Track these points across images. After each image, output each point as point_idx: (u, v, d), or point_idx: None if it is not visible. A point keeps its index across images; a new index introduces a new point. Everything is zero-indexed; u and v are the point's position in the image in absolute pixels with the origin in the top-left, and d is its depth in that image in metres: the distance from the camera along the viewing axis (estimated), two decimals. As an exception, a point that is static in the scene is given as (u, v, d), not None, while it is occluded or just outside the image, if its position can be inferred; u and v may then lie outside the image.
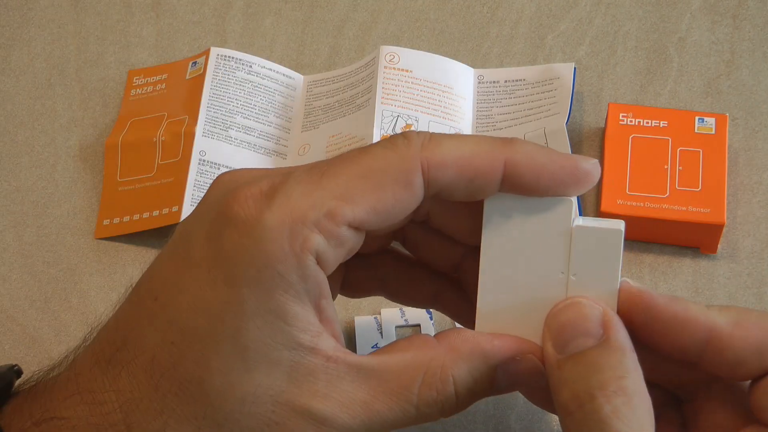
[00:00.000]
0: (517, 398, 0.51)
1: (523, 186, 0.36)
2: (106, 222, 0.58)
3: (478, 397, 0.38)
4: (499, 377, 0.38)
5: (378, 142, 0.37)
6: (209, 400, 0.35)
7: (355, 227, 0.36)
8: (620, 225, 0.37)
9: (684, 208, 0.54)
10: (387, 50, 0.60)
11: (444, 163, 0.36)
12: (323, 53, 0.64)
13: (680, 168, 0.55)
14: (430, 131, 0.37)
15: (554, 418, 0.50)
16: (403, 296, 0.44)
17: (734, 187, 0.56)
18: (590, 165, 0.37)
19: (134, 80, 0.63)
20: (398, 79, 0.59)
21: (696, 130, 0.56)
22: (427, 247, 0.42)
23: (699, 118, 0.56)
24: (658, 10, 0.64)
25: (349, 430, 0.36)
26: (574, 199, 0.38)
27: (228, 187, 0.37)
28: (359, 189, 0.35)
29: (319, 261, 0.35)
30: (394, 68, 0.59)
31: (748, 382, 0.38)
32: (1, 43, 0.66)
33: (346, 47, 0.64)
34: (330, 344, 0.36)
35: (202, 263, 0.35)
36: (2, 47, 0.65)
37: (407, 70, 0.59)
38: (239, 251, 0.34)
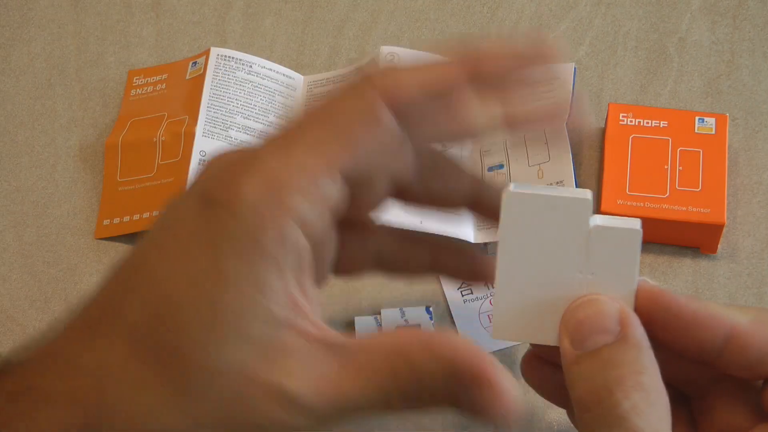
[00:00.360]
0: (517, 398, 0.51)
1: (491, 81, 0.37)
2: (106, 222, 0.58)
3: (442, 403, 0.37)
4: (462, 394, 0.36)
5: (340, 90, 0.36)
6: (182, 370, 0.34)
7: (334, 179, 0.35)
8: (637, 224, 0.37)
9: (684, 208, 0.54)
10: (387, 50, 0.60)
11: (406, 91, 0.35)
12: (323, 53, 0.64)
13: (680, 168, 0.55)
14: (390, 65, 0.37)
15: (554, 418, 0.50)
16: (400, 268, 0.44)
17: (734, 187, 0.56)
18: (548, 50, 0.38)
19: (134, 80, 0.63)
20: (398, 79, 0.59)
21: (696, 130, 0.56)
22: (438, 179, 0.42)
23: (699, 118, 0.56)
24: (658, 10, 0.64)
25: (317, 412, 0.35)
26: (591, 198, 0.38)
27: (213, 169, 0.37)
28: (330, 140, 0.35)
29: (304, 225, 0.35)
30: (394, 68, 0.59)
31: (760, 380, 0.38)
32: (1, 43, 0.66)
33: (346, 47, 0.64)
34: (307, 320, 0.35)
35: (183, 239, 0.35)
36: (2, 47, 0.65)
37: (407, 70, 0.59)
38: (220, 226, 0.34)
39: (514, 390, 0.36)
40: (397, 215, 0.54)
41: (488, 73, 0.37)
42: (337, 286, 0.55)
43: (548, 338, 0.38)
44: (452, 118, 0.38)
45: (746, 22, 0.63)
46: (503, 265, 0.38)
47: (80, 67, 0.64)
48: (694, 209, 0.53)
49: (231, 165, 0.36)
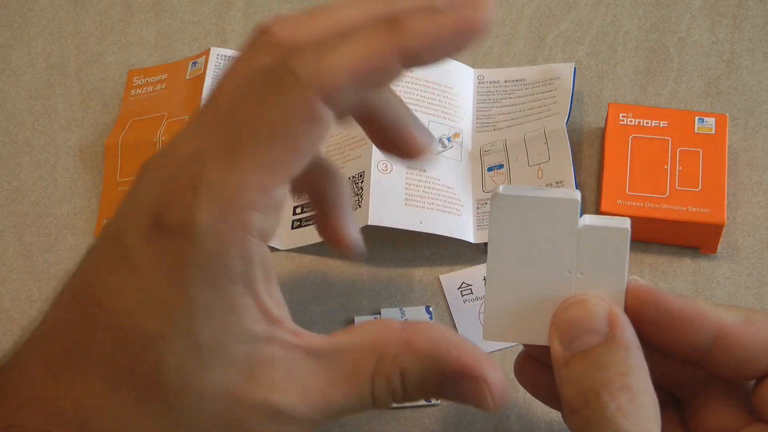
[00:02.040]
0: (517, 398, 0.51)
1: (424, 63, 0.35)
2: (106, 222, 0.58)
3: (427, 395, 0.37)
4: (446, 386, 0.37)
5: (262, 80, 0.34)
6: (167, 400, 0.34)
7: (284, 185, 0.35)
8: (626, 223, 0.38)
9: (684, 208, 0.54)
10: (387, 50, 0.60)
11: (340, 81, 0.34)
12: (323, 53, 0.64)
13: (680, 168, 0.55)
14: (312, 48, 0.34)
15: (554, 418, 0.50)
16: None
17: (734, 187, 0.56)
18: (479, 12, 0.34)
19: (134, 80, 0.63)
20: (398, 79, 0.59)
21: (696, 130, 0.56)
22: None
23: (699, 118, 0.56)
24: (658, 10, 0.64)
25: (308, 421, 0.35)
26: (579, 198, 0.38)
27: (152, 182, 0.35)
28: (275, 150, 0.34)
29: (262, 236, 0.34)
30: (394, 68, 0.59)
31: (751, 381, 0.38)
32: (1, 43, 0.66)
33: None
34: (285, 331, 0.35)
35: (143, 269, 0.34)
36: (2, 47, 0.65)
37: (407, 70, 0.59)
38: (181, 254, 0.34)
39: (499, 379, 0.37)
40: (397, 215, 0.54)
41: (421, 61, 0.35)
42: (337, 286, 0.55)
43: (539, 338, 0.38)
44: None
45: (746, 22, 0.63)
46: (493, 267, 0.38)
47: (80, 67, 0.64)
48: (694, 209, 0.53)
49: (173, 180, 0.35)
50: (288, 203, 0.57)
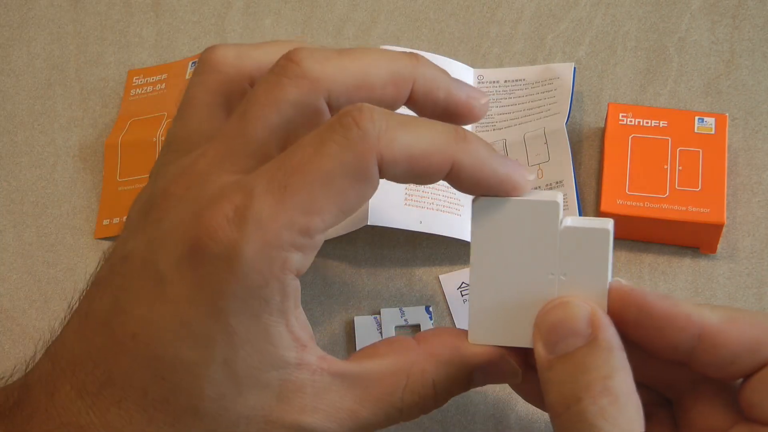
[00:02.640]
0: (517, 398, 0.51)
1: (459, 185, 0.37)
2: (106, 222, 0.58)
3: (455, 394, 0.39)
4: (476, 378, 0.39)
5: (330, 133, 0.35)
6: (204, 426, 0.35)
7: (325, 230, 0.36)
8: (608, 224, 0.37)
9: (684, 208, 0.54)
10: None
11: (397, 160, 0.35)
12: (323, 53, 0.64)
13: (680, 168, 0.55)
14: (386, 116, 0.36)
15: (554, 418, 0.50)
16: None
17: (734, 187, 0.56)
18: (519, 177, 0.37)
19: (134, 80, 0.63)
20: (398, 79, 0.59)
21: (696, 130, 0.56)
22: None
23: (699, 118, 0.56)
24: (658, 10, 0.64)
25: None
26: (560, 201, 0.38)
27: (184, 208, 0.36)
28: (324, 198, 0.35)
29: (299, 272, 0.36)
30: (393, 68, 0.59)
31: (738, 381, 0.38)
32: (1, 43, 0.66)
33: (345, 47, 0.64)
34: (313, 355, 0.37)
35: (179, 299, 0.35)
36: (2, 47, 0.65)
37: (407, 70, 0.59)
38: (221, 285, 0.34)
39: (515, 365, 0.39)
40: (396, 215, 0.54)
41: (459, 183, 0.37)
42: (337, 286, 0.55)
43: (523, 341, 0.38)
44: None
45: (746, 22, 0.63)
46: (476, 270, 0.38)
47: (80, 67, 0.64)
48: (694, 209, 0.53)
49: (213, 207, 0.35)
50: None
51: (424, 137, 0.36)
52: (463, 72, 0.61)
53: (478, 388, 0.51)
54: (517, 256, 0.38)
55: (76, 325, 0.37)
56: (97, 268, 0.39)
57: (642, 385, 0.36)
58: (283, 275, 0.35)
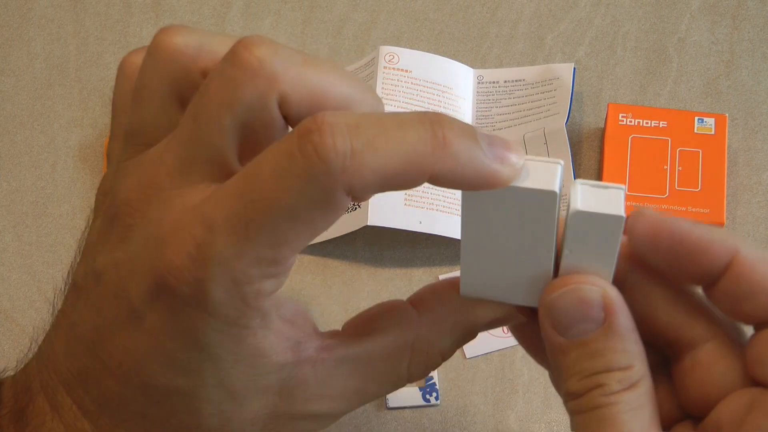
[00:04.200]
0: (517, 398, 0.51)
1: (442, 186, 0.35)
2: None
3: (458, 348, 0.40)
4: (479, 330, 0.39)
5: (290, 163, 0.33)
6: None
7: (294, 255, 0.35)
8: (620, 207, 0.36)
9: (683, 208, 0.54)
10: (386, 50, 0.60)
11: (366, 186, 0.33)
12: (323, 53, 0.64)
13: (680, 168, 0.55)
14: (350, 134, 0.33)
15: (554, 418, 0.50)
16: None
17: (734, 187, 0.56)
18: (506, 171, 0.34)
19: (134, 80, 0.63)
20: (398, 80, 0.59)
21: (695, 131, 0.56)
22: None
23: (698, 119, 0.56)
24: (657, 10, 0.64)
25: (345, 413, 0.38)
26: (558, 189, 0.36)
27: (146, 232, 0.35)
28: (290, 230, 0.33)
29: (274, 293, 0.35)
30: (393, 68, 0.59)
31: (745, 342, 0.37)
32: (1, 43, 0.66)
33: (345, 47, 0.64)
34: (311, 347, 0.36)
35: (156, 332, 0.34)
36: (2, 47, 0.65)
37: (407, 71, 0.59)
38: (197, 322, 0.34)
39: (521, 317, 0.39)
40: (397, 215, 0.54)
41: (440, 184, 0.34)
42: (337, 286, 0.55)
43: (516, 298, 0.38)
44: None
45: (746, 23, 0.63)
46: (467, 248, 0.37)
47: (80, 67, 0.64)
48: (694, 209, 0.53)
49: (174, 239, 0.33)
50: None
51: (396, 154, 0.33)
52: (463, 72, 0.61)
53: (478, 388, 0.51)
54: (511, 242, 0.37)
55: (64, 336, 0.37)
56: (72, 264, 0.39)
57: (643, 344, 0.36)
58: (258, 303, 0.34)
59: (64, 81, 0.64)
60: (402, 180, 0.34)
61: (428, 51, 0.61)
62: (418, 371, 0.38)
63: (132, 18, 0.66)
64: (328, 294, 0.55)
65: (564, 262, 0.37)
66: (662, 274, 0.37)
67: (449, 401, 0.51)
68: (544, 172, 0.36)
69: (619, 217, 0.36)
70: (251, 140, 0.35)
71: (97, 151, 0.61)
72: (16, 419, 0.37)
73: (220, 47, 0.37)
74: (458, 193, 0.55)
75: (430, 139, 0.33)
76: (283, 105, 0.34)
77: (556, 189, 0.35)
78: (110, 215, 0.37)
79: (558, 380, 0.38)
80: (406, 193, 0.55)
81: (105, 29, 0.66)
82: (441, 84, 0.60)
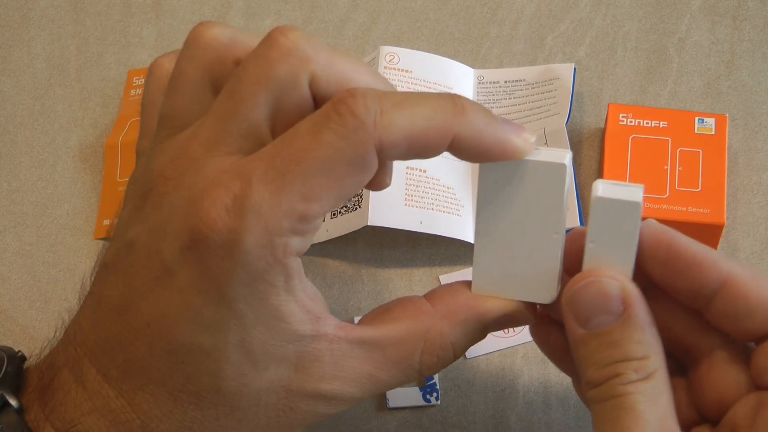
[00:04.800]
0: (517, 398, 0.51)
1: (461, 156, 0.37)
2: (106, 222, 0.58)
3: (472, 346, 0.41)
4: (491, 328, 0.40)
5: (326, 121, 0.35)
6: (227, 402, 0.37)
7: (323, 215, 0.37)
8: (638, 195, 0.37)
9: (684, 209, 0.54)
10: (387, 50, 0.60)
11: (396, 143, 0.36)
12: (323, 53, 0.64)
13: (680, 168, 0.55)
14: (380, 99, 0.36)
15: (554, 418, 0.50)
16: None
17: (734, 187, 0.57)
18: (520, 141, 0.37)
19: (134, 80, 0.63)
20: (398, 80, 0.59)
21: (696, 131, 0.56)
22: None
23: (699, 119, 0.56)
24: (658, 10, 0.64)
25: (356, 399, 0.39)
26: (568, 163, 0.38)
27: (180, 195, 0.36)
28: (323, 185, 0.35)
29: (300, 252, 0.37)
30: (394, 68, 0.59)
31: (752, 347, 0.38)
32: (1, 43, 0.66)
33: (346, 47, 0.64)
34: (329, 325, 0.38)
35: (187, 288, 0.36)
36: (2, 47, 0.65)
37: (407, 71, 0.59)
38: (226, 274, 0.35)
39: (530, 315, 0.40)
40: (397, 215, 0.54)
41: (461, 153, 0.37)
42: (337, 286, 0.55)
43: (526, 295, 0.40)
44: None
45: (746, 23, 0.63)
46: (481, 226, 0.39)
47: (80, 67, 0.64)
48: (694, 209, 0.53)
49: (209, 196, 0.35)
50: None
51: (421, 115, 0.36)
52: (463, 72, 0.61)
53: (478, 388, 0.51)
54: (523, 215, 0.38)
55: (91, 311, 0.38)
56: (103, 250, 0.40)
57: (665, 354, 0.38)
58: (285, 259, 0.35)
59: (65, 81, 0.64)
60: (426, 142, 0.36)
61: (428, 51, 0.61)
62: (430, 363, 0.39)
63: (132, 18, 0.66)
64: (328, 294, 0.55)
65: (587, 256, 0.38)
66: (665, 289, 0.38)
67: (449, 401, 0.51)
68: (554, 153, 0.38)
69: (636, 204, 0.37)
70: (283, 119, 0.37)
71: (97, 151, 0.61)
72: (40, 395, 0.38)
73: (252, 40, 0.39)
74: (459, 194, 0.56)
75: (451, 106, 0.36)
76: (313, 84, 0.37)
77: (567, 162, 0.37)
78: (143, 192, 0.38)
79: (578, 384, 0.38)
80: (406, 193, 0.55)
81: (105, 29, 0.66)
82: (441, 84, 0.60)
